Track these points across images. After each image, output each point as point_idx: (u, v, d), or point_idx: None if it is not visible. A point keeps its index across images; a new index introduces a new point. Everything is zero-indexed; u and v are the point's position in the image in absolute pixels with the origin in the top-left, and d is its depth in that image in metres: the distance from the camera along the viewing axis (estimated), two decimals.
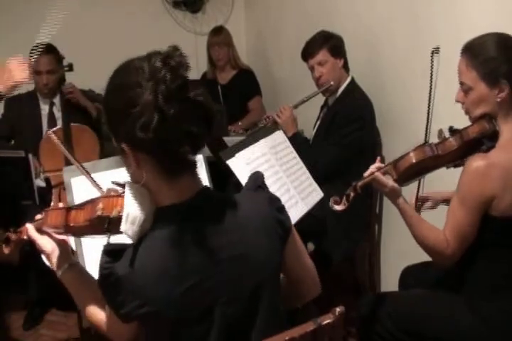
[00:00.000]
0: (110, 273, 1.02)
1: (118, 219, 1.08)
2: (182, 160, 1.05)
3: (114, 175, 1.62)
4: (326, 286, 1.31)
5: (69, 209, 1.23)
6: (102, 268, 1.04)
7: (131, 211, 1.06)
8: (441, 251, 1.58)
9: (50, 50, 2.88)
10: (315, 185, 2.15)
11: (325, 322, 1.10)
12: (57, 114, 3.02)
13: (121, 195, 1.13)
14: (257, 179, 1.19)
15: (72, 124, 2.87)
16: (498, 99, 1.53)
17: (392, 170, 1.68)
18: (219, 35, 3.65)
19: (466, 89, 1.58)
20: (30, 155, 2.34)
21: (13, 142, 3.04)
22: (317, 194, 2.13)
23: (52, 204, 2.62)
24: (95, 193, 1.47)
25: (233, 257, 1.07)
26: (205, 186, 1.12)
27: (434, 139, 1.70)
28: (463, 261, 1.65)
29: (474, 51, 1.55)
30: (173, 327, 1.05)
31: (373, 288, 2.75)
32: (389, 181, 1.64)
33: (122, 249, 1.05)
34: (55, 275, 1.32)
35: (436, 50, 1.68)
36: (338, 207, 1.76)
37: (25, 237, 1.36)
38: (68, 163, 2.71)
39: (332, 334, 1.12)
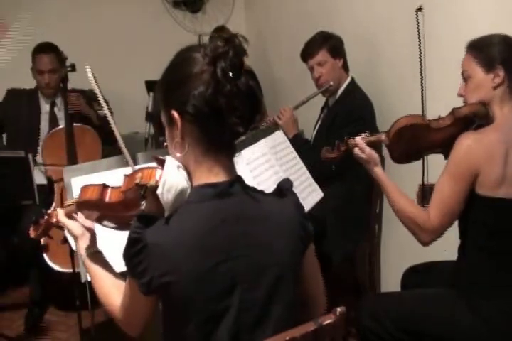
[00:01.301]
0: (139, 239, 1.03)
1: (155, 188, 1.10)
2: (226, 137, 1.07)
3: (114, 175, 1.62)
4: (326, 286, 1.31)
5: (106, 185, 1.25)
6: (131, 232, 1.05)
7: (169, 179, 1.09)
8: (421, 223, 1.61)
9: (51, 49, 2.89)
10: (315, 185, 2.16)
11: (326, 322, 1.10)
12: (59, 114, 3.03)
13: (158, 168, 1.15)
14: (288, 183, 1.22)
15: (74, 124, 2.88)
16: (494, 84, 1.58)
17: (385, 134, 1.74)
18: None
19: (465, 77, 1.65)
20: (30, 156, 2.34)
21: (4, 135, 3.04)
22: (317, 194, 2.14)
23: (54, 203, 2.64)
24: None
25: (259, 245, 1.09)
26: (240, 175, 1.14)
27: None
28: (459, 257, 1.66)
29: (477, 43, 1.62)
30: (189, 302, 1.04)
31: (373, 288, 2.75)
32: (368, 147, 1.73)
33: (156, 217, 1.07)
34: (55, 276, 1.32)
35: (419, 9, 1.81)
36: (329, 155, 1.88)
37: (53, 221, 1.38)
38: (70, 162, 2.74)
39: (333, 335, 1.12)
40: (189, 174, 1.12)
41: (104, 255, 1.33)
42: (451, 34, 2.07)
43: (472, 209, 1.59)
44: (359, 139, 1.75)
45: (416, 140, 1.71)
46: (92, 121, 3.00)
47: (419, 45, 1.94)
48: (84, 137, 2.89)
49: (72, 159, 2.80)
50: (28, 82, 3.03)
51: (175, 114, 1.07)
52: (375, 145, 1.78)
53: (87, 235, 1.32)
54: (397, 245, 2.60)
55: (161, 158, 1.15)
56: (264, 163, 1.94)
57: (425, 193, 1.90)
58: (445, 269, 1.83)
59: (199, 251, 1.03)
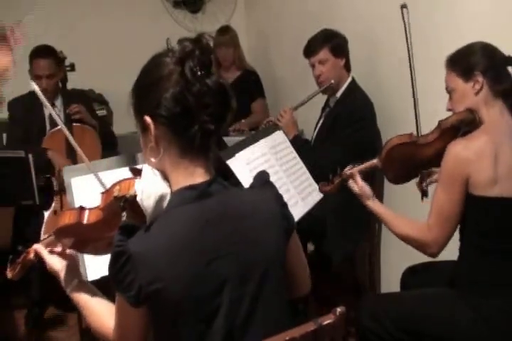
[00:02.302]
0: (122, 251, 1.02)
1: (134, 198, 1.10)
2: (199, 137, 1.06)
3: (114, 175, 1.62)
4: (326, 286, 1.31)
5: (83, 207, 1.23)
6: (115, 246, 1.04)
7: (147, 187, 1.09)
8: (422, 239, 1.65)
9: (48, 53, 2.84)
10: (315, 185, 2.15)
11: (326, 322, 1.10)
12: (58, 114, 3.02)
13: (135, 178, 1.14)
14: (264, 176, 1.22)
15: (74, 124, 2.87)
16: (475, 91, 1.61)
17: (377, 159, 1.78)
18: (225, 35, 3.61)
19: (450, 91, 1.68)
20: (30, 156, 2.34)
21: (4, 135, 3.02)
22: (317, 194, 2.14)
23: (53, 204, 2.64)
24: (96, 193, 1.46)
25: (246, 241, 1.10)
26: (217, 174, 1.14)
27: None
28: (459, 258, 1.67)
29: (453, 57, 1.66)
30: (180, 306, 1.04)
31: (373, 288, 2.75)
32: (361, 181, 1.78)
33: (137, 226, 1.06)
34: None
35: (404, 6, 1.85)
36: (324, 188, 1.91)
37: (32, 257, 1.35)
38: (73, 162, 2.74)
39: (333, 335, 1.12)
40: (167, 179, 1.12)
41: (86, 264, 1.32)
42: (453, 32, 2.07)
43: (467, 209, 1.60)
44: (355, 171, 1.80)
45: (408, 159, 1.76)
46: (95, 128, 2.96)
47: (407, 45, 1.98)
48: (84, 137, 2.88)
49: (72, 159, 2.79)
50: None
51: (147, 118, 1.08)
52: (370, 172, 1.84)
53: (69, 267, 1.30)
54: (397, 245, 2.58)
55: (137, 168, 1.15)
56: (264, 163, 1.94)
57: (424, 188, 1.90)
58: (445, 269, 1.83)
59: (184, 255, 1.03)
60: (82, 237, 1.27)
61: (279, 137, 2.13)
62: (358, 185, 1.78)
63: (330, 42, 2.56)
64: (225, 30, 3.66)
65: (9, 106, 2.96)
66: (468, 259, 1.65)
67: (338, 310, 1.11)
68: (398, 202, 2.43)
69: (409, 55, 1.87)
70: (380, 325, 1.68)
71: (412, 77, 1.90)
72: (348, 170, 1.82)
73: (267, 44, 4.06)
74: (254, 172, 1.86)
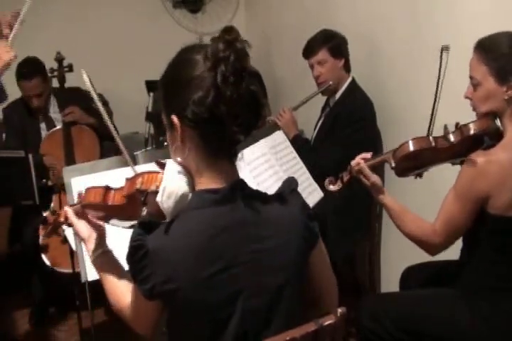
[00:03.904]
0: (140, 246, 1.02)
1: (155, 194, 1.09)
2: (225, 143, 1.05)
3: (114, 174, 1.62)
4: None
5: (108, 187, 1.25)
6: (133, 239, 1.04)
7: (169, 185, 1.08)
8: (428, 240, 1.63)
9: (33, 72, 2.80)
10: (315, 185, 2.15)
11: (326, 323, 1.10)
12: (54, 116, 3.01)
13: (160, 172, 1.14)
14: (292, 183, 1.20)
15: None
16: (506, 97, 1.52)
17: (391, 157, 1.71)
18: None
19: (475, 83, 1.57)
20: (30, 156, 2.34)
21: (4, 135, 3.01)
22: (317, 194, 2.14)
23: (52, 204, 2.64)
24: None
25: (262, 250, 1.08)
26: (242, 179, 1.12)
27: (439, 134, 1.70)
28: (463, 262, 1.66)
29: (486, 47, 1.54)
30: (192, 308, 1.04)
31: (373, 288, 2.75)
32: (373, 175, 1.72)
33: (157, 223, 1.06)
34: (56, 276, 1.32)
35: (445, 48, 1.66)
36: (332, 187, 1.85)
37: (62, 220, 1.37)
38: (68, 162, 2.74)
39: (333, 335, 1.12)
40: (191, 178, 1.11)
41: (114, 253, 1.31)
42: (453, 32, 2.07)
43: (481, 226, 1.56)
44: (363, 165, 1.74)
45: (423, 160, 1.70)
46: (94, 127, 2.94)
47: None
48: (82, 137, 2.88)
49: (70, 159, 2.79)
50: None
51: (174, 118, 1.06)
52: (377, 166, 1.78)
53: (94, 236, 1.30)
54: (397, 245, 2.59)
55: (162, 161, 1.14)
56: (264, 163, 1.94)
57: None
58: (444, 269, 1.83)
59: (199, 257, 1.03)
60: (107, 212, 1.29)
61: (279, 137, 2.13)
62: (370, 179, 1.73)
63: (329, 43, 2.56)
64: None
65: (4, 116, 2.95)
66: (472, 263, 1.64)
67: (339, 310, 1.11)
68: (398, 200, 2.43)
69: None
70: (380, 325, 1.68)
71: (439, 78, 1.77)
72: (355, 164, 1.76)
73: (267, 44, 4.06)
74: (255, 173, 1.89)
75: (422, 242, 1.65)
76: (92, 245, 1.29)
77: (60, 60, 2.87)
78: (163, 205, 1.07)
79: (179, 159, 1.10)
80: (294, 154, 2.15)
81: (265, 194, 1.15)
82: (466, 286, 1.65)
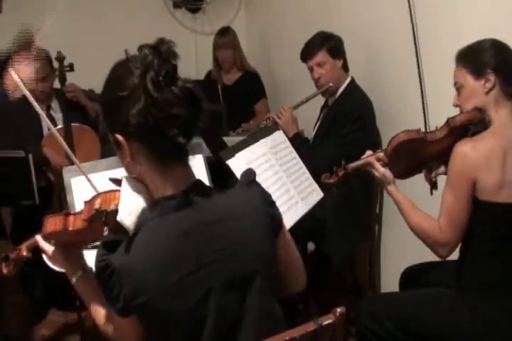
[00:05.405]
0: (106, 266, 1.03)
1: (115, 213, 1.09)
2: (173, 147, 1.06)
3: (114, 174, 1.62)
4: (326, 286, 1.31)
5: (67, 213, 1.25)
6: (98, 260, 1.05)
7: (128, 202, 1.09)
8: (435, 237, 1.62)
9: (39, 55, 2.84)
10: (315, 185, 2.15)
11: (326, 322, 1.10)
12: (55, 115, 3.01)
13: (118, 190, 1.14)
14: (250, 174, 1.21)
15: (72, 124, 2.86)
16: (485, 90, 1.57)
17: (383, 154, 1.76)
18: (225, 37, 3.59)
19: (458, 87, 1.64)
20: (30, 156, 2.34)
21: None
22: (317, 194, 2.13)
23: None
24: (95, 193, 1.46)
25: (227, 247, 1.09)
26: (198, 179, 1.13)
27: None
28: (461, 260, 1.66)
29: (463, 53, 1.62)
30: (168, 317, 1.05)
31: (373, 288, 2.75)
32: (381, 167, 1.75)
33: (119, 241, 1.06)
34: (56, 276, 1.32)
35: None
36: (327, 181, 1.89)
37: (24, 254, 1.36)
38: (70, 162, 2.74)
39: (333, 335, 1.12)
40: (148, 190, 1.11)
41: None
42: (452, 33, 2.07)
43: (473, 213, 1.58)
44: (371, 159, 1.77)
45: (414, 154, 1.74)
46: (90, 115, 2.97)
47: (415, 43, 1.94)
48: (83, 137, 2.87)
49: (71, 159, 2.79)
50: None
51: (119, 137, 1.06)
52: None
53: (73, 258, 1.30)
54: (397, 245, 2.60)
55: (118, 178, 1.15)
56: (264, 163, 1.94)
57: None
58: (444, 269, 1.83)
59: (163, 267, 1.03)
60: (71, 238, 1.27)
61: (279, 137, 2.12)
62: (379, 171, 1.75)
63: (326, 44, 2.56)
64: (225, 32, 3.64)
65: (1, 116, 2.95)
66: (470, 261, 1.65)
67: (338, 310, 1.11)
68: None
69: (416, 54, 1.82)
70: (379, 325, 1.68)
71: (419, 77, 1.85)
72: (364, 158, 1.80)
73: (266, 45, 4.06)
74: None
75: (433, 239, 1.63)
76: (69, 268, 1.29)
77: (60, 59, 2.88)
78: (125, 222, 1.07)
79: (132, 174, 1.10)
80: (294, 154, 2.15)
81: (224, 190, 1.15)
82: (466, 285, 1.65)
